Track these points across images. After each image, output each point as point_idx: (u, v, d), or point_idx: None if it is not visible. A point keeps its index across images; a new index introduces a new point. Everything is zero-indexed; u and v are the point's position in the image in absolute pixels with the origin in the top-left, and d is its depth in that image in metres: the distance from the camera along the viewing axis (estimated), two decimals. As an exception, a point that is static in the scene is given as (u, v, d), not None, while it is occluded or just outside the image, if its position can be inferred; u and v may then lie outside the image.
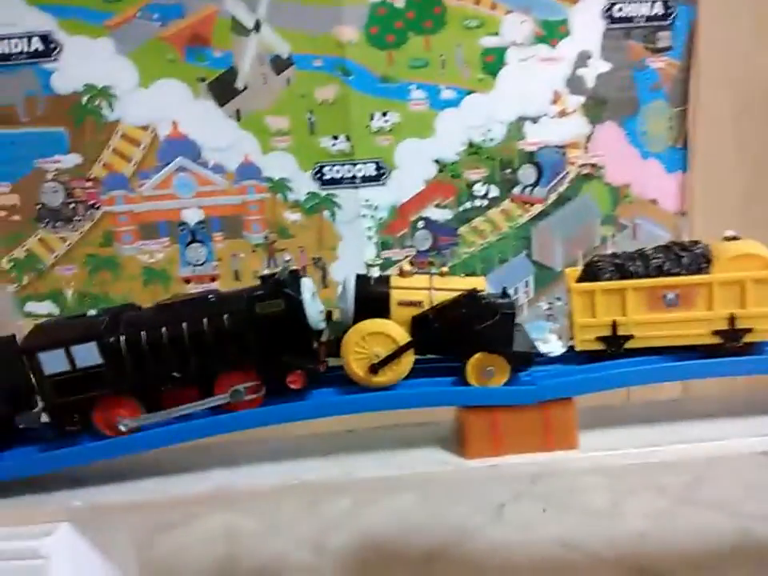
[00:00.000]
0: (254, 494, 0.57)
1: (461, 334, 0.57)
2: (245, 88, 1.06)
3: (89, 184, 1.07)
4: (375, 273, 0.60)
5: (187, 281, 1.14)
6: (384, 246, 1.17)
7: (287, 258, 0.60)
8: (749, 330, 0.58)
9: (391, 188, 1.14)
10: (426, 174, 1.14)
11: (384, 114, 1.10)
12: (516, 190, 1.17)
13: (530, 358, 0.59)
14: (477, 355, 0.57)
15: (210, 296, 0.59)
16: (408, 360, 0.57)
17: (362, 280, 0.59)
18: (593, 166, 1.16)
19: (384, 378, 0.57)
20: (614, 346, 0.59)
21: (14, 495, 0.57)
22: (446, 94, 1.11)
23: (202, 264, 1.13)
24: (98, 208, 1.08)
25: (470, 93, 1.11)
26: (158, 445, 0.58)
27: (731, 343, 0.58)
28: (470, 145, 1.13)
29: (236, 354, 0.56)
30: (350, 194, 1.13)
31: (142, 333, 0.56)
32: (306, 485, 0.56)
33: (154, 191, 1.09)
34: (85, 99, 1.03)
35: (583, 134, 1.15)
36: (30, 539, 0.52)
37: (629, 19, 1.11)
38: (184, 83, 1.05)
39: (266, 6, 1.03)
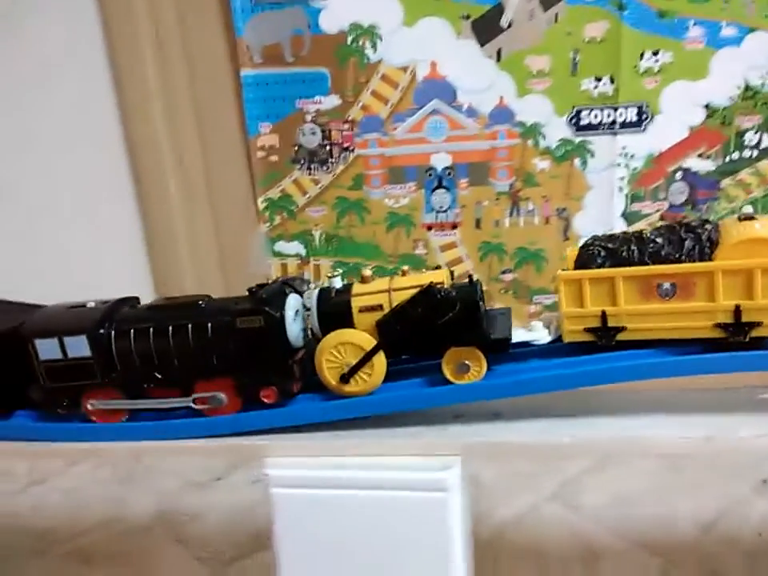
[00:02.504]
0: (671, 446, 0.53)
1: (425, 332, 0.54)
2: (509, 26, 1.02)
3: (345, 126, 1.08)
4: (337, 283, 0.58)
5: (429, 227, 1.13)
6: (635, 198, 1.09)
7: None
8: (757, 324, 0.50)
9: (651, 135, 1.05)
10: (691, 119, 1.05)
11: (655, 53, 1.01)
12: (794, 140, 1.05)
13: (505, 345, 0.55)
14: (448, 351, 0.55)
15: (200, 302, 0.59)
16: (380, 365, 0.56)
17: (323, 293, 0.58)
18: None
19: (359, 386, 0.56)
20: (604, 338, 0.54)
21: (405, 426, 0.57)
22: (727, 32, 1.00)
23: (444, 211, 1.12)
24: (351, 151, 1.09)
25: (753, 30, 1.00)
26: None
27: (736, 338, 0.51)
28: (747, 88, 1.02)
29: (215, 363, 0.58)
30: (606, 141, 1.06)
31: (130, 331, 0.58)
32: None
33: (406, 134, 1.08)
34: (350, 39, 1.03)
35: None
36: (431, 471, 0.52)
37: None
38: (447, 21, 1.02)
39: (538, -63, 0.98)
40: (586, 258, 0.55)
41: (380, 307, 0.55)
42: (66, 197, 1.08)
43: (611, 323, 0.54)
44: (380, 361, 0.56)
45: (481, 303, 0.54)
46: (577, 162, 1.08)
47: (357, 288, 0.57)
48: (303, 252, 1.15)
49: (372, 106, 1.06)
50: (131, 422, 0.63)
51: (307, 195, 1.12)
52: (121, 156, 1.05)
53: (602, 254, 0.54)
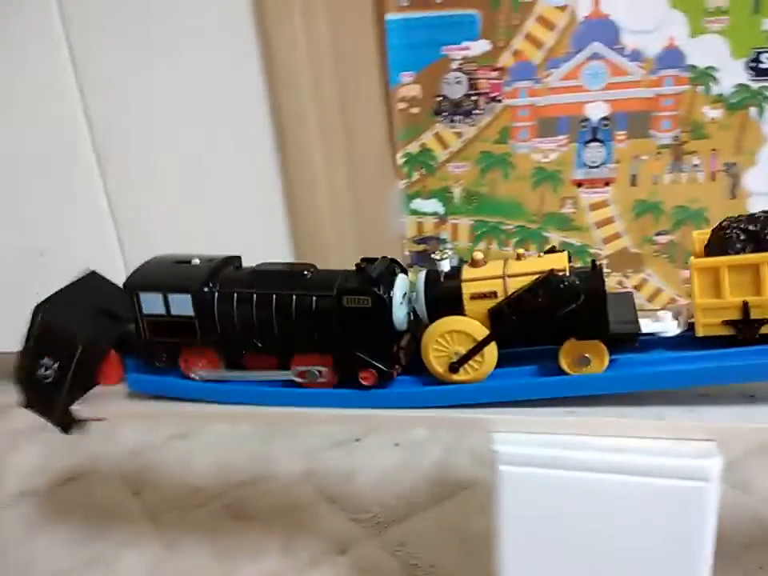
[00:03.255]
0: None
1: (544, 323, 0.49)
2: (684, -43, 0.92)
3: (494, 74, 1.01)
4: (446, 266, 0.53)
5: (579, 184, 1.05)
6: (820, 151, 0.97)
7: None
8: None
9: None
10: None
11: None
12: None
13: (632, 339, 0.50)
14: (567, 342, 0.50)
15: (306, 272, 0.56)
16: (491, 355, 0.52)
17: (431, 276, 0.53)
18: None
19: (467, 375, 0.53)
20: (746, 331, 0.48)
21: (646, 405, 0.51)
22: None
23: (597, 166, 1.03)
24: (499, 101, 1.02)
25: None
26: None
27: None
28: None
29: (316, 337, 0.55)
30: (790, 87, 0.95)
31: (234, 294, 0.56)
32: None
33: (560, 82, 1.00)
34: (504, -23, 0.96)
35: None
36: (690, 458, 0.46)
37: None
38: (617, -47, 0.93)
39: None
40: (723, 242, 0.48)
41: (494, 294, 0.51)
42: (211, 151, 1.07)
43: (754, 315, 0.47)
44: (491, 350, 0.52)
45: (606, 293, 0.49)
46: (753, 111, 0.97)
47: (468, 272, 0.52)
48: (441, 210, 1.09)
49: (525, 50, 0.99)
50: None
51: (449, 149, 1.06)
52: (262, 103, 1.02)
53: (742, 237, 0.48)
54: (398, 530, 0.85)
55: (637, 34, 0.96)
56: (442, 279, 0.53)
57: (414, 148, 1.07)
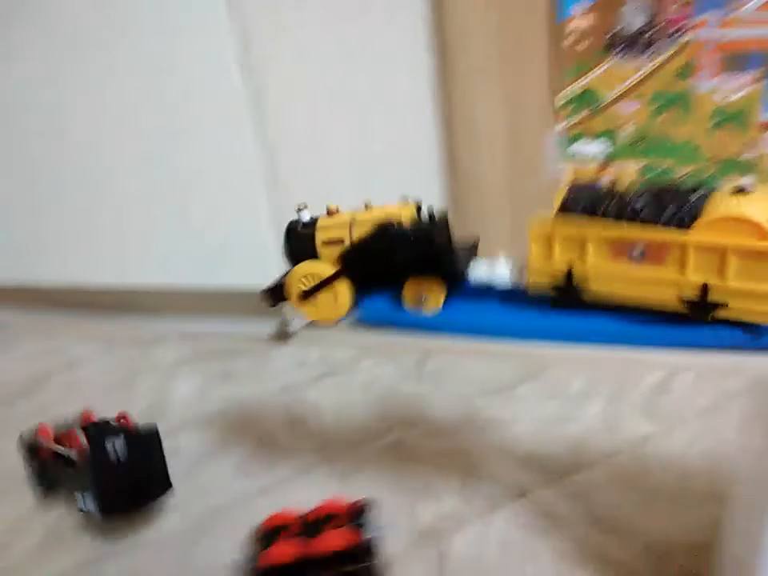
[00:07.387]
0: None
1: (385, 266, 0.57)
2: None
3: (679, 3, 0.93)
4: (305, 216, 0.60)
5: (766, 127, 0.96)
6: None
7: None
8: (722, 305, 0.48)
9: None
10: None
11: None
12: None
13: (460, 278, 0.58)
14: (408, 282, 0.57)
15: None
16: (343, 293, 0.59)
17: (291, 226, 0.61)
18: None
19: (325, 313, 0.60)
20: (569, 297, 0.53)
21: None
22: None
23: (790, 107, 0.95)
24: (682, 34, 0.94)
25: None
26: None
27: (700, 315, 0.49)
28: None
29: None
30: None
31: None
32: None
33: (755, 14, 0.91)
34: None
35: None
36: None
37: None
38: None
39: None
40: (569, 202, 0.52)
41: (341, 241, 0.58)
42: (371, 93, 1.05)
43: (576, 282, 0.53)
44: (343, 289, 0.59)
45: (439, 239, 0.56)
46: None
47: (322, 221, 0.60)
48: (605, 153, 1.03)
49: (719, -24, 0.91)
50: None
51: (619, 88, 0.99)
52: (423, 41, 0.98)
53: (582, 204, 0.52)
54: (573, 480, 0.81)
55: None
56: (299, 228, 0.60)
57: (579, 87, 1.00)
